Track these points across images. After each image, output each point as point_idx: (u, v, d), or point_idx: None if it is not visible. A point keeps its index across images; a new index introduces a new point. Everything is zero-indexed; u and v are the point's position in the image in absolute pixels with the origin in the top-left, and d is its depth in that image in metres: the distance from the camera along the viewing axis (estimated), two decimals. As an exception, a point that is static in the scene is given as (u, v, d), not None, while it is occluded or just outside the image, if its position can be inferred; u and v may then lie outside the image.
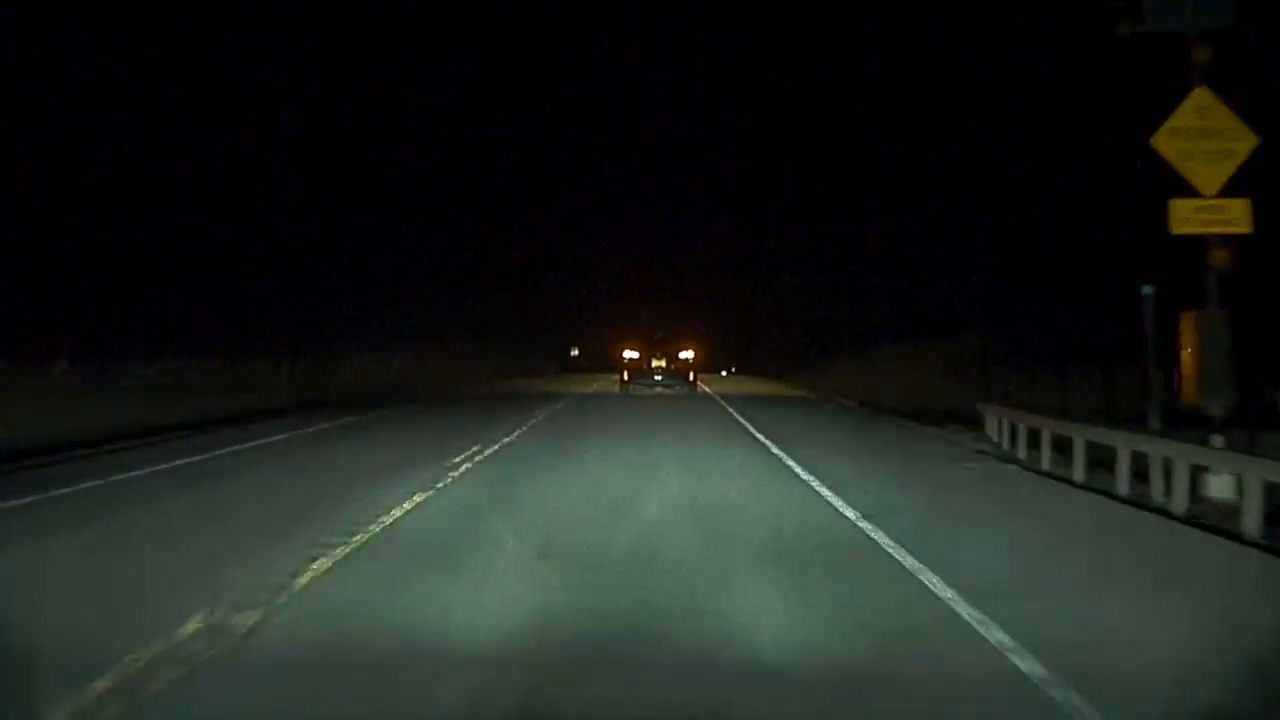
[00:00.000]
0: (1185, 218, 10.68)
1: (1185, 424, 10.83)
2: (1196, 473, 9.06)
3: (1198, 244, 10.86)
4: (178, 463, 12.38)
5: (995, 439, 14.51)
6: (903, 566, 6.67)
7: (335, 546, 7.01)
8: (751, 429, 17.42)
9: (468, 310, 53.12)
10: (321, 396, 26.48)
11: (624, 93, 78.08)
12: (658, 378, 32.71)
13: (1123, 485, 9.92)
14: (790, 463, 12.67)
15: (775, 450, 14.24)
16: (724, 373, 57.36)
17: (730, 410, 21.30)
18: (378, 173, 44.63)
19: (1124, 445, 10.03)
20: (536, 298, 63.70)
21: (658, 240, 78.36)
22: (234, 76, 36.26)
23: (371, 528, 7.80)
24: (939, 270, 44.91)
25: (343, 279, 40.72)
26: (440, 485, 10.24)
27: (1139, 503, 9.48)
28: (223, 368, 31.62)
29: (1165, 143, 10.81)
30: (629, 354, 33.48)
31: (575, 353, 64.41)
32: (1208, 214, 10.61)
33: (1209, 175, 10.74)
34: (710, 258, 70.24)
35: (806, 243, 58.03)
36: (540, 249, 64.10)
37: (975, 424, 16.43)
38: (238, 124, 36.27)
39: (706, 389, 35.06)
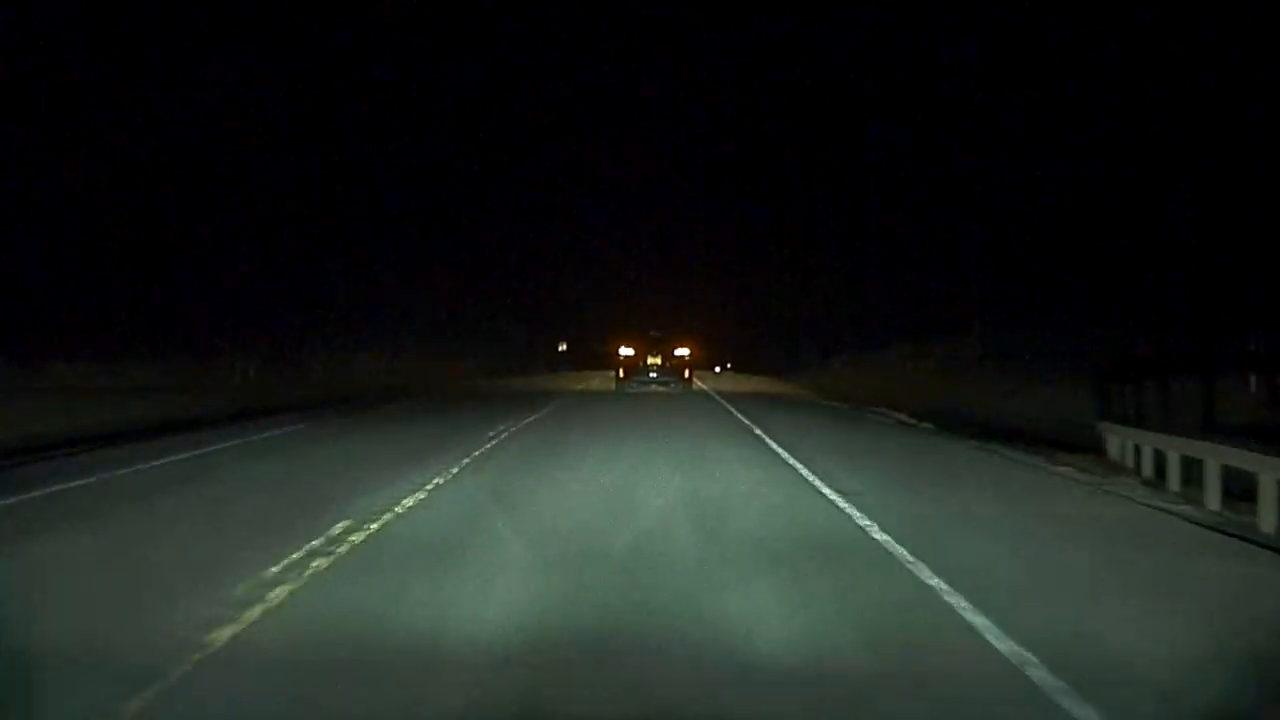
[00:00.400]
0: None
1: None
2: None
3: None
4: None
5: (1141, 474, 9.97)
6: None
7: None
8: (806, 471, 10.49)
9: (452, 307, 48.70)
10: (283, 400, 22.02)
11: (621, 87, 73.25)
12: (653, 375, 30.87)
13: None
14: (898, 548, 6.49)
15: (862, 519, 7.54)
16: (717, 369, 53.86)
17: (763, 435, 14.11)
18: (362, 166, 40.47)
19: None
20: (526, 294, 59.43)
21: (653, 235, 73.88)
22: (217, 64, 32.15)
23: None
24: (939, 269, 42.50)
25: (316, 276, 36.18)
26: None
27: None
28: (182, 368, 27.17)
29: None
30: (625, 351, 31.40)
31: (563, 348, 59.72)
32: None
33: None
34: (708, 254, 66.02)
35: (806, 239, 55.24)
36: (529, 244, 59.92)
37: (1070, 446, 12.08)
38: (230, 123, 32.08)
39: (703, 385, 33.17)
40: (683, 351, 31.54)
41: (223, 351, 26.76)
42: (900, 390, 27.31)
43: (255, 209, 32.93)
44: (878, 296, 49.27)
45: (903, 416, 16.80)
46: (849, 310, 51.42)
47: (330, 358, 32.11)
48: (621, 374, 31.32)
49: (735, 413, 18.53)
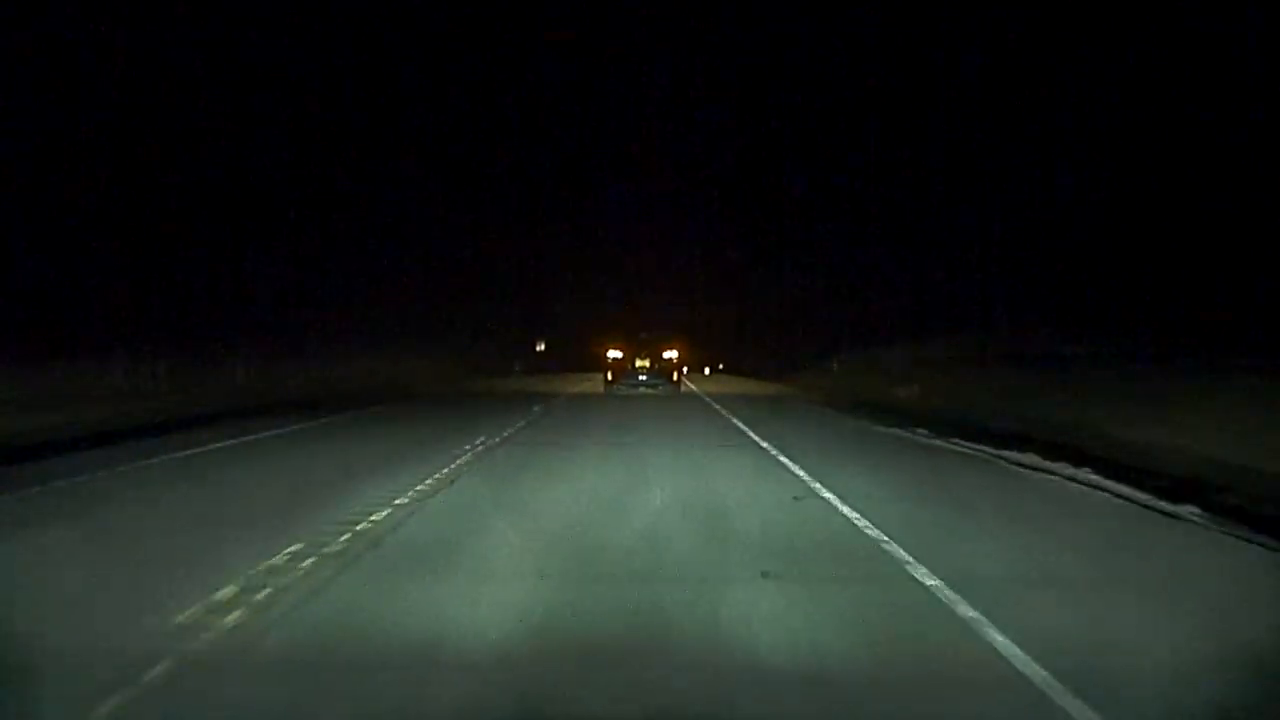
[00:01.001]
0: None
1: None
2: None
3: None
4: None
5: None
6: None
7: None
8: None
9: (415, 304, 42.32)
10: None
11: (615, 83, 66.90)
12: (642, 378, 28.38)
13: None
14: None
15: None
16: (707, 369, 49.25)
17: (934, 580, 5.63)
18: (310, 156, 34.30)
19: None
20: (499, 290, 53.06)
21: (637, 228, 67.49)
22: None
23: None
24: (938, 268, 39.62)
25: (236, 265, 29.50)
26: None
27: None
28: (74, 375, 20.49)
29: None
30: (613, 354, 28.92)
31: (541, 347, 53.37)
32: None
33: None
34: (697, 251, 60.06)
35: (801, 235, 50.61)
36: (502, 237, 53.65)
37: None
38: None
39: (692, 386, 30.98)
40: (671, 354, 29.20)
41: (111, 355, 20.13)
42: (940, 399, 21.52)
43: (182, 196, 26.69)
44: (875, 294, 44.83)
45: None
46: (845, 309, 46.71)
47: (262, 359, 25.62)
48: (610, 376, 28.61)
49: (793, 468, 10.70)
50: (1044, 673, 3.86)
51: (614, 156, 66.19)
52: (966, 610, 4.73)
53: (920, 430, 14.57)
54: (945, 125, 37.44)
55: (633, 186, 69.45)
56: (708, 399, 23.90)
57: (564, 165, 61.24)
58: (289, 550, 5.90)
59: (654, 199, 67.51)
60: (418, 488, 8.47)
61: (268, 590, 4.98)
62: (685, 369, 31.75)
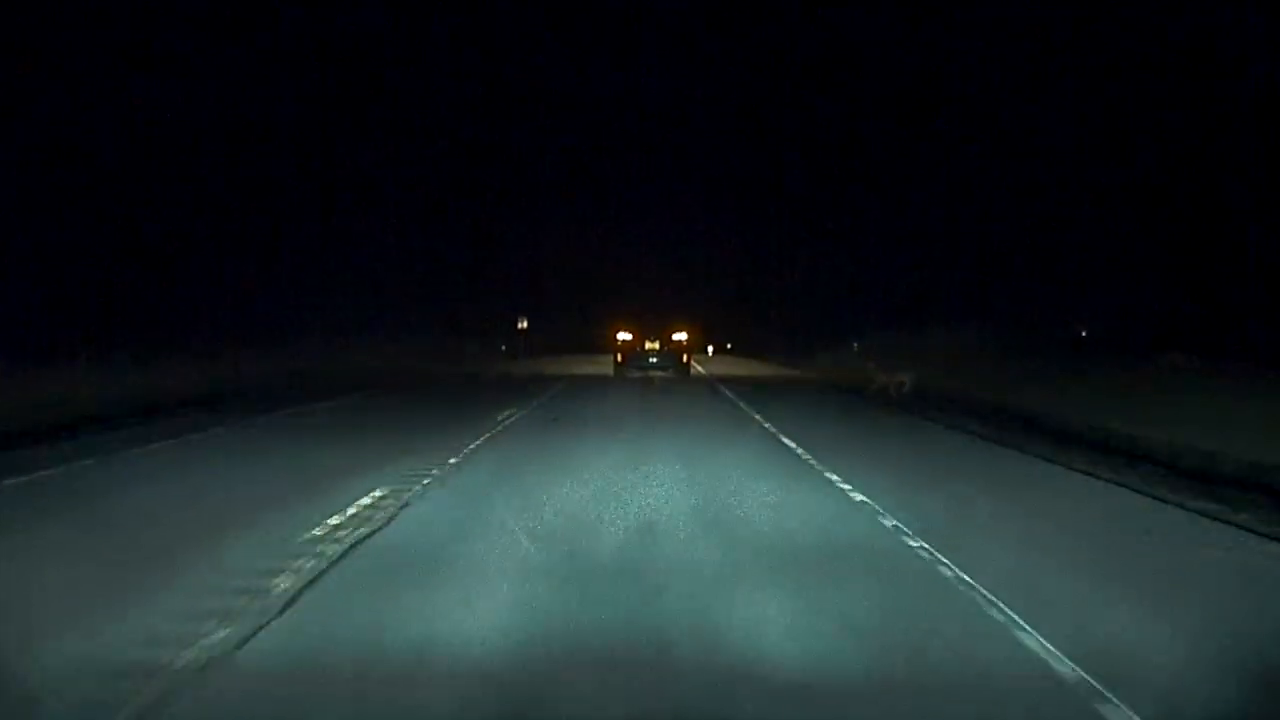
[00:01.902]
0: None
1: None
2: None
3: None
4: None
5: None
6: None
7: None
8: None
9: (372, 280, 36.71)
10: None
11: (616, 73, 61.79)
12: (652, 360, 27.98)
13: None
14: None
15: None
16: (710, 349, 46.86)
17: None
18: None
19: None
20: (494, 270, 47.39)
21: (633, 200, 62.01)
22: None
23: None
24: (940, 257, 37.70)
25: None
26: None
27: None
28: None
29: None
30: (623, 335, 28.22)
31: (523, 325, 46.93)
32: None
33: None
34: (703, 227, 54.98)
35: (809, 222, 47.56)
36: (506, 216, 48.41)
37: None
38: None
39: (700, 369, 30.83)
40: (680, 335, 28.41)
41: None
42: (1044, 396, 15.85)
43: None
44: (881, 278, 42.06)
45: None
46: (853, 290, 43.28)
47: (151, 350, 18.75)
48: (620, 358, 28.12)
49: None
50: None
51: (613, 130, 60.98)
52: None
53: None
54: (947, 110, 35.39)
55: (633, 158, 64.33)
56: (729, 392, 19.62)
57: (562, 139, 55.95)
58: None
59: (654, 172, 62.51)
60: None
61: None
62: (693, 351, 30.72)
